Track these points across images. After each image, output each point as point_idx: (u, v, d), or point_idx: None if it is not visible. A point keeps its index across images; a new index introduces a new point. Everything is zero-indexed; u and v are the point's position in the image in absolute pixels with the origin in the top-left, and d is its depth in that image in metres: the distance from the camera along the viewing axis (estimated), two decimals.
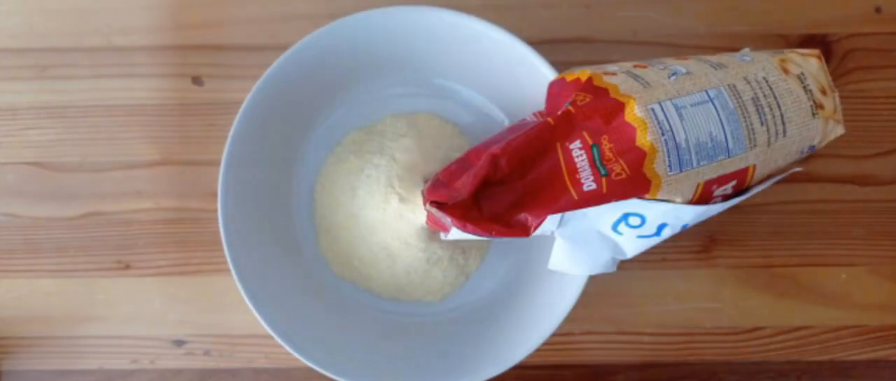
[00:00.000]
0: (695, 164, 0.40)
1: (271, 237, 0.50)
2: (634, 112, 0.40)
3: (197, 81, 0.54)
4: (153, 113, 0.54)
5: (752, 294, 0.53)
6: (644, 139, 0.40)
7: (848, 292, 0.53)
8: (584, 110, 0.41)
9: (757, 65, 0.43)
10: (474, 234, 0.42)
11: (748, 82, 0.42)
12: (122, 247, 0.54)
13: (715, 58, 0.44)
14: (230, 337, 0.54)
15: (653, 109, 0.40)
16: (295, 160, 0.52)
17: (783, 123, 0.42)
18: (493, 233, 0.41)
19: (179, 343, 0.54)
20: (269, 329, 0.47)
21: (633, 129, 0.40)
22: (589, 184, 0.40)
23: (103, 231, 0.54)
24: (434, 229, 0.47)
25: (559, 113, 0.42)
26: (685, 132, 0.40)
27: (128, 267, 0.54)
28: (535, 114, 0.45)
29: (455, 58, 0.50)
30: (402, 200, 0.49)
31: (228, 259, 0.47)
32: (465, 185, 0.42)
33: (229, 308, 0.53)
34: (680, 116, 0.40)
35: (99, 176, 0.54)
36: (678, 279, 0.53)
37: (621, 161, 0.40)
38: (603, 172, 0.40)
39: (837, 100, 0.44)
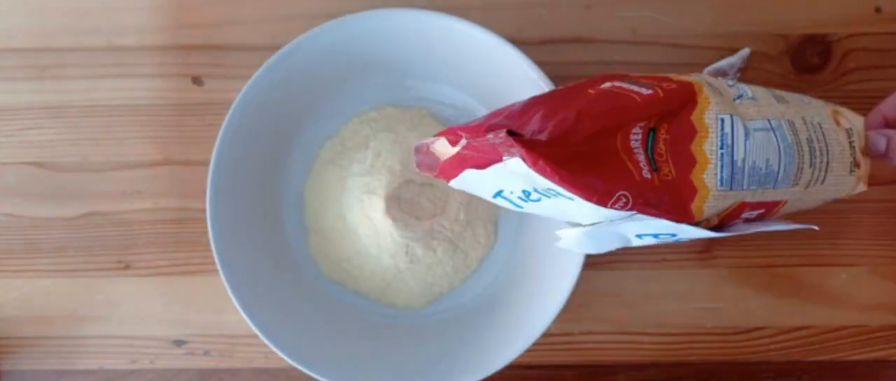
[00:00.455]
0: (744, 186, 0.39)
1: (261, 238, 0.50)
2: (703, 116, 0.38)
3: (197, 81, 0.54)
4: (153, 113, 0.54)
5: (752, 294, 0.53)
6: (701, 146, 0.38)
7: (848, 292, 0.53)
8: (668, 95, 0.38)
9: (813, 109, 0.43)
10: (546, 176, 0.36)
11: (805, 123, 0.41)
12: (122, 247, 0.54)
13: (777, 91, 0.43)
14: (230, 337, 0.54)
15: (722, 120, 0.39)
16: (285, 161, 0.52)
17: (826, 171, 0.42)
18: (567, 184, 0.36)
19: (179, 343, 0.54)
20: (255, 329, 0.47)
21: (694, 132, 0.38)
22: (646, 172, 0.37)
23: (103, 231, 0.54)
24: (424, 171, 0.42)
25: (648, 94, 0.39)
26: (744, 152, 0.39)
27: (128, 267, 0.54)
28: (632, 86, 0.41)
29: (444, 59, 0.50)
30: (383, 201, 0.49)
31: (217, 260, 0.47)
32: (546, 129, 0.37)
33: (229, 308, 0.53)
34: (746, 135, 0.39)
35: (99, 176, 0.54)
36: (678, 279, 0.53)
37: (671, 162, 0.38)
38: (654, 167, 0.38)
39: (869, 165, 0.44)
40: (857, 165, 0.44)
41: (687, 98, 0.39)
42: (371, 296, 0.52)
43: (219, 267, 0.47)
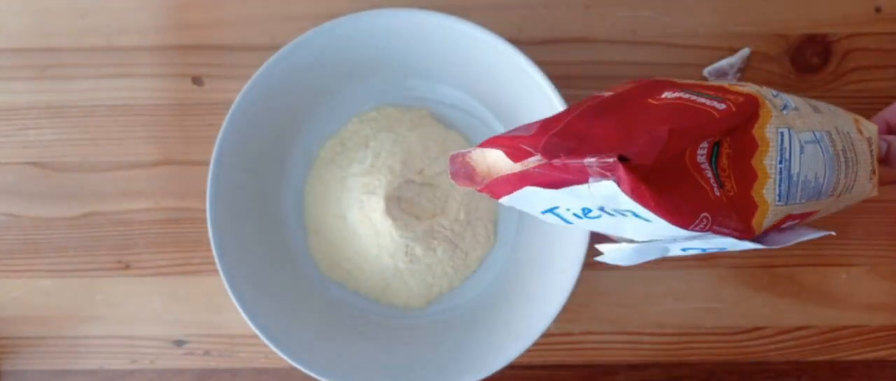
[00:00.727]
0: (797, 199, 0.38)
1: (261, 238, 0.50)
2: (764, 129, 0.37)
3: (197, 81, 0.54)
4: (153, 113, 0.54)
5: (752, 294, 0.53)
6: (761, 161, 0.37)
7: (848, 293, 0.53)
8: (739, 109, 0.37)
9: (841, 119, 0.42)
10: (642, 201, 0.34)
11: (838, 133, 0.41)
12: (122, 247, 0.54)
13: (810, 100, 0.42)
14: (230, 337, 0.54)
15: (782, 133, 0.38)
16: (285, 161, 0.52)
17: (855, 180, 0.41)
18: (661, 209, 0.34)
19: (179, 343, 0.54)
20: (255, 329, 0.47)
21: (755, 146, 0.37)
22: (716, 189, 0.36)
23: (103, 231, 0.54)
24: (461, 184, 0.39)
25: (723, 108, 0.37)
26: (799, 166, 0.38)
27: (128, 267, 0.54)
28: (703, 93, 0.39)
29: (444, 59, 0.50)
30: (383, 201, 0.49)
31: (217, 260, 0.47)
32: (636, 149, 0.34)
33: (229, 308, 0.53)
34: (801, 149, 0.38)
35: (99, 176, 0.54)
36: (678, 279, 0.53)
37: (733, 177, 0.37)
38: (719, 183, 0.36)
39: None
40: (874, 172, 0.44)
41: (752, 111, 0.37)
42: (371, 296, 0.52)
43: (219, 267, 0.47)
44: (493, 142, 0.37)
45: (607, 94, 0.40)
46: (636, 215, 0.35)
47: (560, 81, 0.46)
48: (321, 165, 0.52)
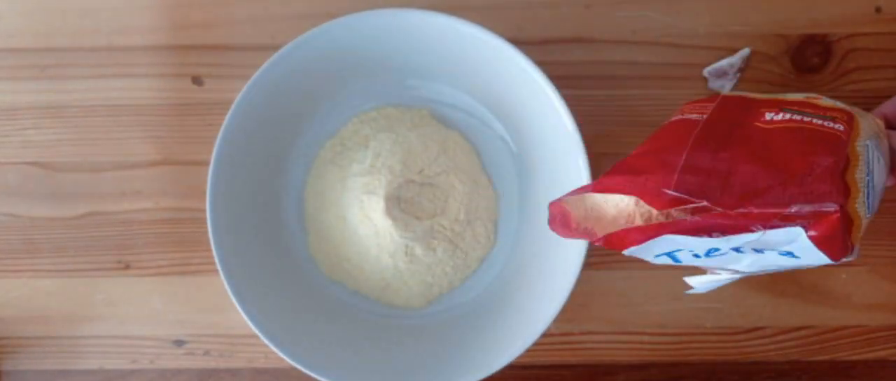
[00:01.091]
0: (874, 210, 0.37)
1: (261, 238, 0.50)
2: (855, 144, 0.36)
3: (197, 81, 0.54)
4: (153, 113, 0.54)
5: (752, 294, 0.53)
6: (853, 175, 0.35)
7: (848, 292, 0.53)
8: (850, 128, 0.36)
9: (870, 120, 0.42)
10: (831, 249, 0.32)
11: (878, 137, 0.41)
12: (122, 247, 0.54)
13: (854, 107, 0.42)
14: (230, 337, 0.54)
15: (867, 146, 0.37)
16: (285, 161, 0.52)
17: (883, 181, 0.41)
18: (836, 253, 0.32)
19: (179, 343, 0.54)
20: (255, 329, 0.47)
21: (848, 160, 0.36)
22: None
23: (103, 231, 0.54)
24: (565, 235, 0.37)
25: (842, 129, 0.36)
26: (877, 176, 0.37)
27: (128, 267, 0.54)
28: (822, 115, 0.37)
29: (444, 59, 0.50)
30: (383, 201, 0.49)
31: (217, 260, 0.47)
32: (835, 192, 0.32)
33: (229, 308, 0.53)
34: (877, 158, 0.37)
35: (99, 176, 0.54)
36: (678, 280, 0.53)
37: None
38: None
39: None
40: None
41: (853, 128, 0.37)
42: (371, 296, 0.52)
43: (219, 267, 0.47)
44: (611, 187, 0.34)
45: (693, 117, 0.37)
46: (783, 254, 0.33)
47: (560, 81, 0.46)
48: (321, 165, 0.52)
